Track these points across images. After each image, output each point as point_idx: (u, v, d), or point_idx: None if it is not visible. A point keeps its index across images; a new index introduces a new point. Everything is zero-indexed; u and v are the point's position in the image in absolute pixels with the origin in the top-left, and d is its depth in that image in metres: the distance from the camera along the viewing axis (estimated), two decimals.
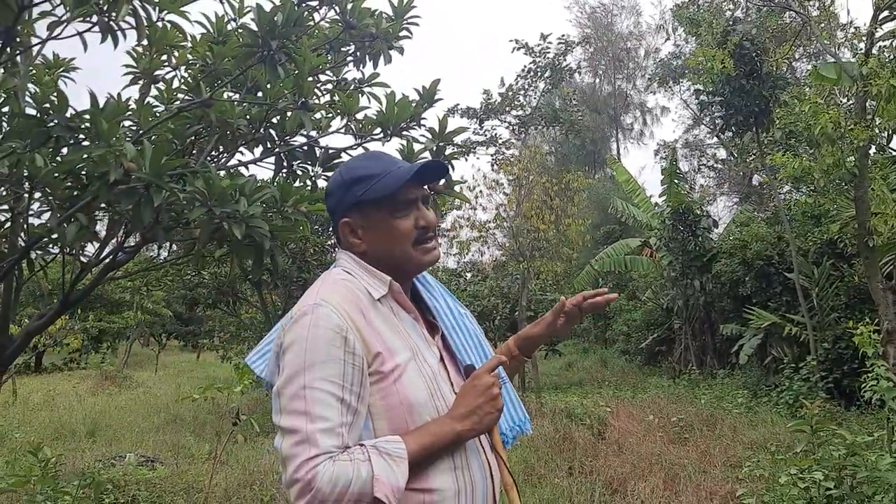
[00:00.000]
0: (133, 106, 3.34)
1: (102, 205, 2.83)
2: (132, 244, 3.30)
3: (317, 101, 2.78)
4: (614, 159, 22.28)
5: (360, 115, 2.90)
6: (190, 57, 3.73)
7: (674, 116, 50.26)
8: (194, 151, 3.45)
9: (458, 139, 3.23)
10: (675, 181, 16.44)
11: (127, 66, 3.65)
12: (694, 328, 16.34)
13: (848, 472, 4.91)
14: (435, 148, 2.86)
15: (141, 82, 3.59)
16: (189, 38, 3.57)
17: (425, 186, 1.81)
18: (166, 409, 12.45)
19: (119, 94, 3.37)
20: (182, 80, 3.72)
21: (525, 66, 14.52)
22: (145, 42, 3.21)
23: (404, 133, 2.83)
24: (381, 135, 2.85)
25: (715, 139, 28.83)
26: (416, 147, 2.92)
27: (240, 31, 2.64)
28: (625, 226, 21.69)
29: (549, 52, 14.31)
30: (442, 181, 2.52)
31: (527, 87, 14.46)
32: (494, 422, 1.66)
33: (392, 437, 1.53)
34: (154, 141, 2.54)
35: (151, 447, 9.07)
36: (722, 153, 28.78)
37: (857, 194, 5.63)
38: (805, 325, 11.66)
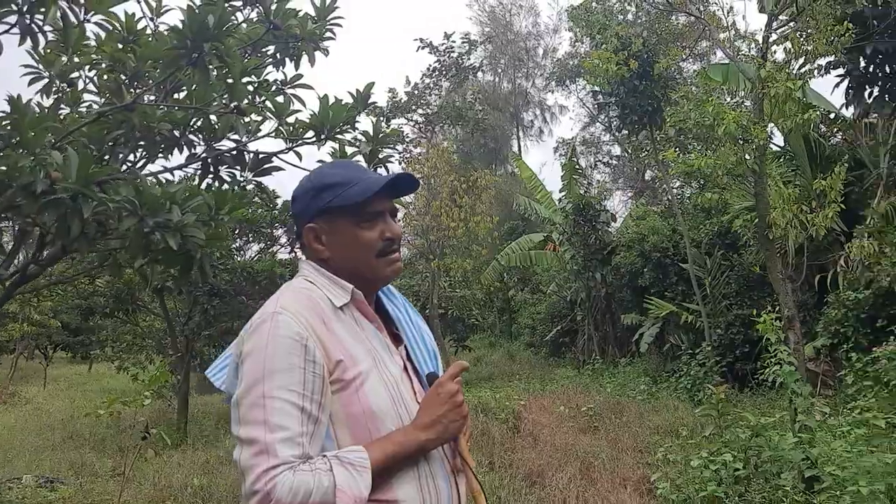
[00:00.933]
0: (37, 110, 3.14)
1: (8, 215, 2.65)
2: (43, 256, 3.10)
3: (247, 104, 2.70)
4: (517, 156, 22.71)
5: (290, 119, 2.83)
6: (95, 57, 3.54)
7: (571, 115, 51.64)
8: (107, 157, 3.28)
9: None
10: (575, 177, 16.95)
11: (27, 66, 3.42)
12: (596, 319, 16.88)
13: (753, 453, 5.21)
14: (369, 151, 2.83)
15: (42, 84, 3.38)
16: (94, 37, 3.38)
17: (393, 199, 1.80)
18: (61, 426, 11.77)
19: (19, 96, 3.16)
20: (88, 81, 3.52)
21: (430, 65, 14.61)
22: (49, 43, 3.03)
23: (338, 136, 2.79)
24: (315, 138, 2.80)
25: (610, 136, 29.87)
26: (350, 150, 2.89)
27: (167, 32, 2.53)
28: (528, 221, 22.16)
29: (453, 52, 14.44)
30: None
31: (432, 85, 14.54)
32: (460, 429, 1.67)
33: (355, 446, 1.52)
34: (73, 147, 2.40)
35: (49, 467, 8.54)
36: (617, 150, 29.83)
37: (757, 190, 5.99)
38: (700, 313, 12.27)
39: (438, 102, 15.49)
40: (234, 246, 11.32)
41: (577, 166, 17.91)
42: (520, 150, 33.74)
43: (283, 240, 12.48)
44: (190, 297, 10.11)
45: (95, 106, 3.42)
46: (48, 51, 3.33)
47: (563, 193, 17.09)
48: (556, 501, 6.06)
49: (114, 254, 3.10)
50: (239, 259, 11.76)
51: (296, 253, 12.41)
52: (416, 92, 14.10)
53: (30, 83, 3.41)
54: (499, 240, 18.95)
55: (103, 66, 3.49)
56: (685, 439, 6.92)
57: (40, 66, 3.38)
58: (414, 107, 14.33)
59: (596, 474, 6.82)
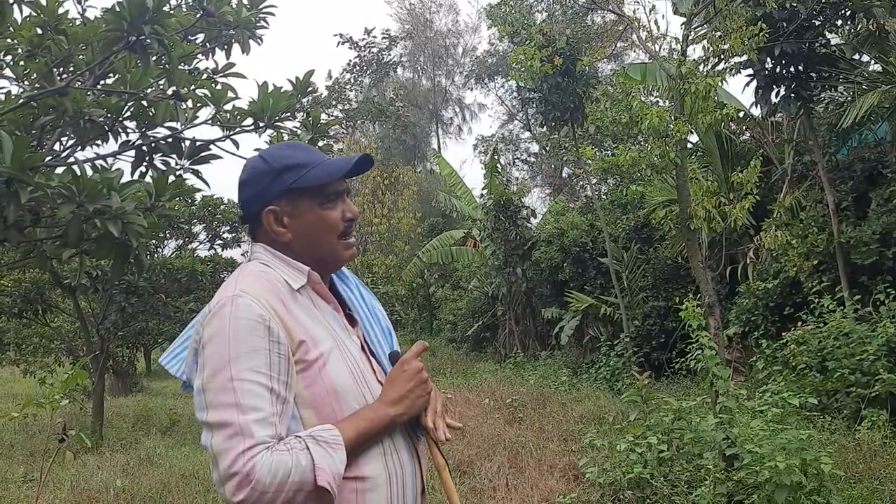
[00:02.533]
0: None
1: None
2: None
3: (186, 91, 2.63)
4: (437, 153, 22.79)
5: (228, 106, 2.78)
6: (10, 42, 3.38)
7: (490, 112, 52.14)
8: (33, 144, 3.13)
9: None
10: (496, 174, 17.16)
11: None
12: (517, 313, 17.12)
13: (676, 435, 5.45)
14: (308, 140, 2.82)
15: None
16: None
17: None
18: None
19: None
20: (4, 67, 3.36)
21: (350, 61, 14.51)
22: None
23: (277, 124, 2.76)
24: (253, 126, 2.76)
25: (528, 134, 30.36)
26: (287, 139, 2.86)
27: (102, 14, 2.44)
28: (448, 218, 22.28)
29: (373, 47, 14.38)
30: None
31: (353, 81, 14.44)
32: (426, 405, 1.71)
33: (326, 425, 1.53)
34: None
35: None
36: (535, 147, 30.34)
37: (679, 183, 6.26)
38: (618, 306, 12.66)
39: (359, 98, 15.39)
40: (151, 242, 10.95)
41: (498, 164, 18.15)
42: (439, 147, 33.84)
43: (203, 236, 12.20)
44: (105, 296, 9.71)
45: (14, 91, 3.27)
46: None
47: (485, 190, 17.28)
48: (487, 490, 6.16)
49: (39, 244, 2.97)
50: (157, 256, 11.40)
51: (216, 250, 12.15)
52: (336, 87, 13.98)
53: None
54: (420, 236, 18.98)
55: (20, 51, 3.34)
56: (611, 425, 7.14)
57: None
58: (334, 102, 14.20)
59: (523, 462, 6.96)
